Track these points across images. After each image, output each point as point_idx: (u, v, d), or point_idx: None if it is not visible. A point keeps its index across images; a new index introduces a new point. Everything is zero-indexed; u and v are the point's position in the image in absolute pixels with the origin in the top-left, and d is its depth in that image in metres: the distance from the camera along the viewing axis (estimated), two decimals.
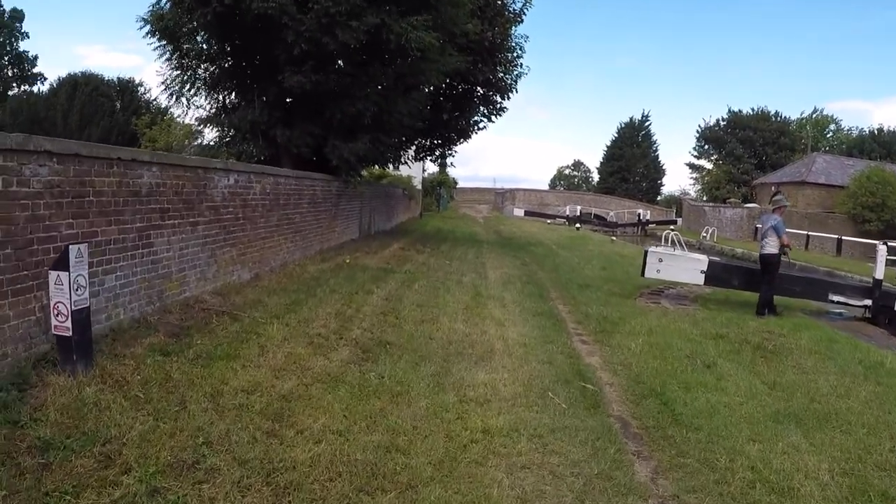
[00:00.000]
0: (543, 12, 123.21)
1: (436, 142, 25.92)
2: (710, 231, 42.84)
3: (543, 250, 23.74)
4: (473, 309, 10.32)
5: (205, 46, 17.21)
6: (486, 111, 24.52)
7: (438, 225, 36.06)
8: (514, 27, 23.36)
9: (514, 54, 23.27)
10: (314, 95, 15.55)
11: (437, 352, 7.49)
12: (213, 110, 18.36)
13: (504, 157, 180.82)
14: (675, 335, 9.86)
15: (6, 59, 56.83)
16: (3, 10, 56.49)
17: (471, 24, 19.12)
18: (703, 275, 13.62)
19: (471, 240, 26.56)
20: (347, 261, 14.58)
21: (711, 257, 14.27)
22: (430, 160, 28.68)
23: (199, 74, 17.71)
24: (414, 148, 26.53)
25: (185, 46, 17.03)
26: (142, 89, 49.04)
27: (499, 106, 24.32)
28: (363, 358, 6.98)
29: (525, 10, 23.69)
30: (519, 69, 23.93)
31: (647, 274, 13.73)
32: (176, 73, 17.46)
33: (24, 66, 58.05)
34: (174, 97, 18.05)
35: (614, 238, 34.82)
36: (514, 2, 23.51)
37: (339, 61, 15.23)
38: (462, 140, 25.63)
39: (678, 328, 10.43)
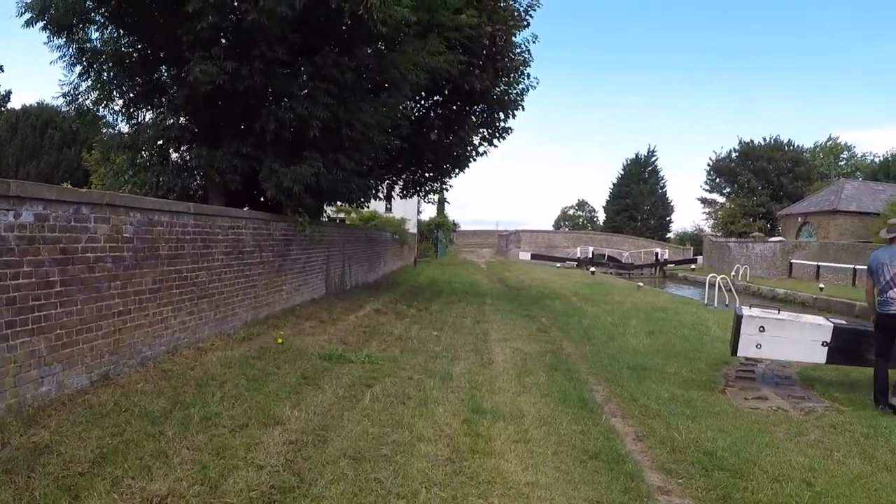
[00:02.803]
0: (541, 51, 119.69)
1: (426, 174, 21.10)
2: (739, 270, 37.91)
3: (562, 305, 18.72)
4: (465, 458, 5.28)
5: (116, 43, 12.46)
6: (487, 133, 19.72)
7: (434, 274, 31.05)
8: (517, 32, 18.63)
9: (520, 58, 18.50)
10: (237, 96, 10.85)
11: None
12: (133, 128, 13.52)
13: (505, 200, 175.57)
14: (861, 501, 5.00)
15: None
16: None
17: (464, 15, 14.49)
18: (826, 348, 8.72)
19: (471, 293, 21.55)
20: (280, 340, 9.64)
21: (835, 320, 9.27)
22: (420, 197, 23.80)
23: (116, 82, 12.83)
24: (401, 183, 21.75)
25: (87, 45, 12.33)
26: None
27: (501, 126, 19.51)
28: None
29: (531, 13, 18.95)
30: (526, 81, 19.18)
31: (743, 352, 8.88)
32: (78, 79, 12.67)
33: None
34: (79, 113, 13.25)
35: (641, 284, 29.80)
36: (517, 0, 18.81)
37: (267, 46, 10.39)
38: (458, 170, 20.77)
39: (850, 476, 5.58)
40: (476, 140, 19.43)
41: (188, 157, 12.13)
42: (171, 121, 11.74)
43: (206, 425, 5.67)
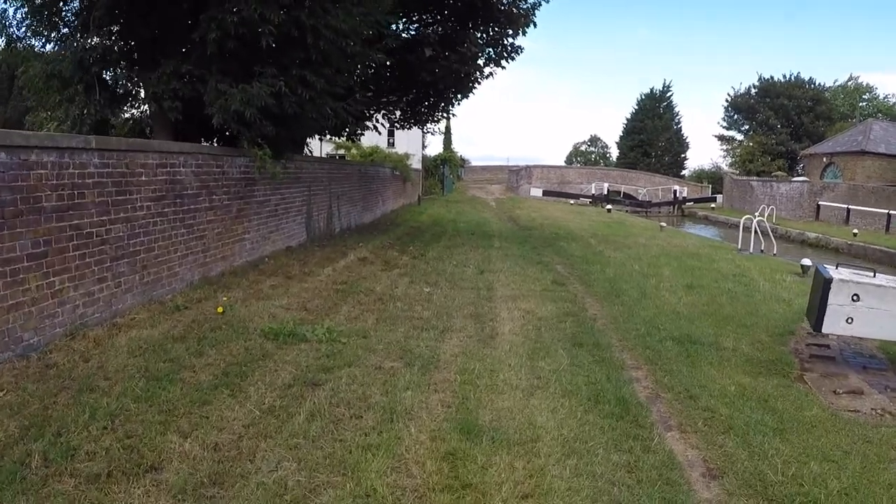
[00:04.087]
0: None
1: (426, 101, 18.64)
2: (766, 210, 35.30)
3: (580, 248, 16.44)
4: None
5: None
6: (493, 53, 17.15)
7: (439, 212, 28.71)
8: None
9: None
10: (172, 2, 8.47)
11: None
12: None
13: (516, 137, 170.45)
14: None
15: None
16: None
17: None
18: None
19: (477, 234, 19.28)
20: (220, 309, 7.50)
21: None
22: (420, 127, 21.40)
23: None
24: (398, 112, 19.32)
25: None
26: None
27: (510, 44, 16.94)
28: None
29: None
30: None
31: (830, 327, 6.64)
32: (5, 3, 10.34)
33: None
34: (8, 44, 10.88)
35: (664, 224, 27.41)
36: None
37: None
38: (461, 95, 18.28)
39: None
40: (481, 61, 16.88)
41: (112, 81, 9.83)
42: (92, 31, 9.35)
43: (43, 475, 3.58)
